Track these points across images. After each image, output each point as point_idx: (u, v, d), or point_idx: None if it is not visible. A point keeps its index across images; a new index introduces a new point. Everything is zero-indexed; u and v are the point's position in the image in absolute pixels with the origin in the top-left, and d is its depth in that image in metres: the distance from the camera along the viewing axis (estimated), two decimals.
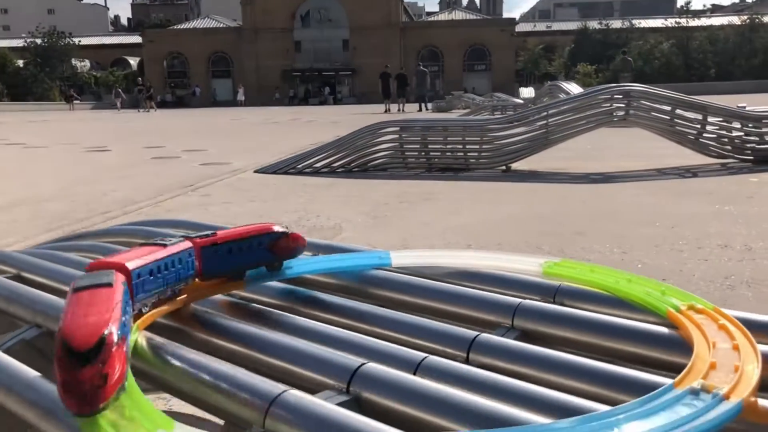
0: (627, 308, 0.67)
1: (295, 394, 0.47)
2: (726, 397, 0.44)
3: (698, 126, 6.14)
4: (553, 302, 0.71)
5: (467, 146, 6.23)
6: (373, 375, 0.52)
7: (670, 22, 50.07)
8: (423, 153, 6.34)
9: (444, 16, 60.08)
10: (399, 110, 22.44)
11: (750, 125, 6.19)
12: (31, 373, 0.59)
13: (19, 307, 0.75)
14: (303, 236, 0.77)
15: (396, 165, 6.29)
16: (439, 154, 6.34)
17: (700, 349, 0.53)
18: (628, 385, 0.52)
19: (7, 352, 0.65)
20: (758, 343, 0.54)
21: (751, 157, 6.17)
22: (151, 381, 0.56)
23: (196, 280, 0.69)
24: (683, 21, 49.07)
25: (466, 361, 0.60)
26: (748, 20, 47.42)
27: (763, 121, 6.18)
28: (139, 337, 0.59)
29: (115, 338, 0.47)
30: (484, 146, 6.14)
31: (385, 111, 21.87)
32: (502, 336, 0.64)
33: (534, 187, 5.10)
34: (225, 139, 12.21)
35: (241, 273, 0.74)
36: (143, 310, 0.62)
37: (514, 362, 0.59)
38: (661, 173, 5.71)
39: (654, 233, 3.27)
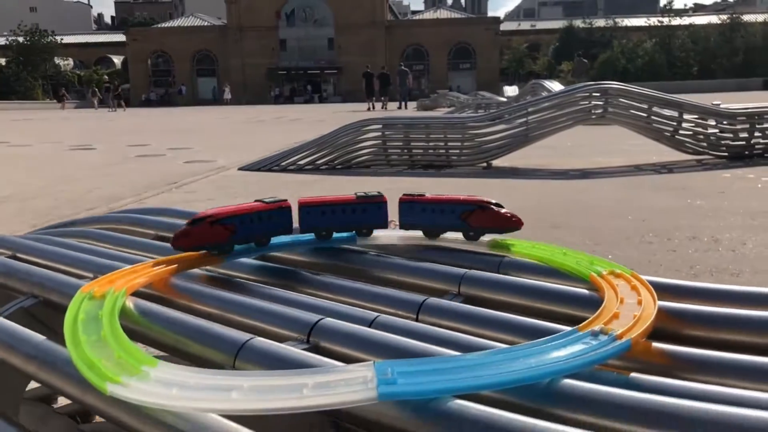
0: (560, 277, 0.76)
1: (261, 341, 0.56)
2: (619, 337, 0.53)
3: (674, 123, 6.28)
4: (497, 273, 0.80)
5: (449, 143, 6.33)
6: (330, 327, 0.61)
7: (653, 20, 50.57)
8: (406, 150, 6.43)
9: (429, 15, 60.22)
10: (382, 108, 22.72)
11: (724, 122, 6.34)
12: (31, 333, 0.67)
13: (17, 281, 0.82)
14: (512, 216, 0.86)
15: (379, 162, 6.38)
16: (421, 151, 6.44)
17: (609, 302, 0.62)
18: (549, 334, 0.61)
19: (7, 318, 0.73)
20: (661, 300, 0.63)
21: (726, 154, 6.32)
22: (138, 337, 0.64)
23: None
24: (666, 20, 49.57)
25: (416, 321, 0.68)
26: (729, 19, 47.97)
27: (738, 118, 6.33)
28: (126, 300, 0.67)
29: None
30: (465, 143, 6.24)
31: (368, 109, 22.14)
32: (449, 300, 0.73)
33: (514, 184, 5.21)
34: (209, 137, 12.25)
35: (436, 232, 0.89)
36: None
37: (457, 321, 0.67)
38: (638, 169, 5.83)
39: (626, 226, 3.38)
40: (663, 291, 0.67)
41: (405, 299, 0.72)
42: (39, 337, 0.65)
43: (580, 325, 0.56)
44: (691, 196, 4.24)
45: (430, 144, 6.44)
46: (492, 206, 0.85)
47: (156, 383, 0.49)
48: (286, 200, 0.85)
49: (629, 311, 0.59)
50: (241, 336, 0.57)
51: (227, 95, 42.68)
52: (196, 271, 0.82)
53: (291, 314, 0.64)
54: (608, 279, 0.69)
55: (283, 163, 6.38)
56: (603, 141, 8.51)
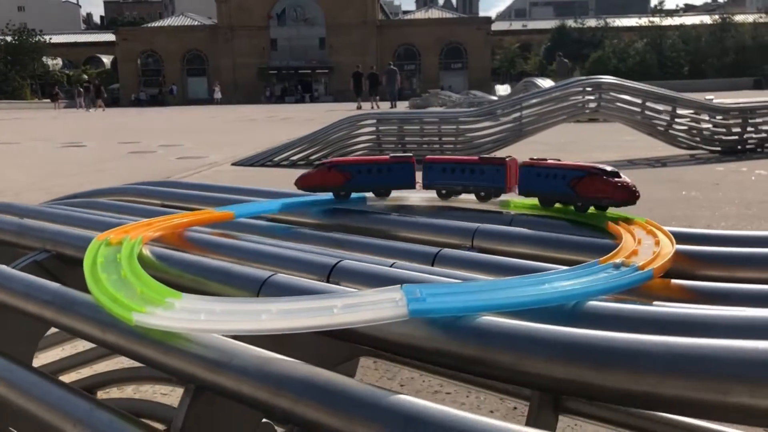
0: (574, 229, 0.77)
1: (284, 276, 0.56)
2: (640, 268, 0.53)
3: (668, 118, 6.31)
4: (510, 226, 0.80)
5: (443, 138, 6.33)
6: (350, 268, 0.61)
7: (644, 20, 50.76)
8: (400, 145, 6.43)
9: (420, 15, 60.24)
10: (372, 107, 22.87)
11: (718, 117, 6.37)
12: (46, 281, 0.67)
13: (29, 238, 0.82)
14: (629, 186, 0.78)
15: None
16: (415, 146, 6.44)
17: (627, 242, 0.62)
18: None
19: (21, 270, 0.73)
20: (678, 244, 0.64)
21: (719, 148, 6.35)
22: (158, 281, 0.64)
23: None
24: (657, 20, 49.76)
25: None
26: (719, 20, 48.20)
27: (731, 113, 6.37)
28: (142, 248, 0.67)
29: None
30: (459, 138, 6.25)
31: (357, 108, 22.24)
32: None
33: None
34: (201, 134, 12.22)
35: (551, 201, 0.84)
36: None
37: (473, 269, 0.68)
38: (632, 163, 5.86)
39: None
40: (677, 238, 0.67)
41: (419, 251, 0.72)
42: (54, 285, 0.65)
43: (601, 258, 0.56)
44: (686, 188, 4.26)
45: (425, 139, 6.44)
46: (604, 174, 0.77)
47: (182, 311, 0.49)
48: (410, 156, 0.90)
49: (648, 249, 0.60)
50: (263, 272, 0.57)
51: (217, 95, 42.51)
52: (208, 228, 0.82)
53: (309, 258, 0.64)
54: (624, 225, 0.69)
55: (276, 159, 6.37)
56: (596, 137, 8.54)
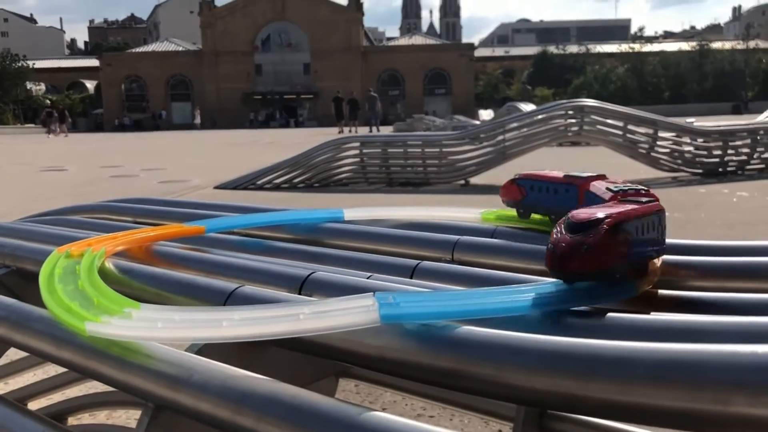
0: None
1: (252, 288, 0.53)
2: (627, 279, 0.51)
3: (650, 140, 6.35)
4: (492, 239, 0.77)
5: (427, 161, 6.33)
6: (324, 280, 0.58)
7: (625, 47, 51.53)
8: (384, 168, 6.42)
9: (404, 41, 60.80)
10: (350, 131, 23.35)
11: (699, 140, 6.43)
12: (2, 297, 0.63)
13: None
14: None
15: (357, 180, 6.36)
16: (399, 169, 6.44)
17: None
18: None
19: None
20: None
21: (700, 171, 6.40)
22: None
23: None
24: (637, 46, 50.54)
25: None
26: (698, 46, 49.03)
27: (712, 136, 6.43)
28: (105, 260, 0.64)
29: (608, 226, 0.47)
30: (443, 161, 6.25)
31: (339, 132, 22.53)
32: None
33: (492, 199, 5.15)
34: (185, 159, 12.17)
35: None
36: None
37: (453, 282, 0.65)
38: None
39: None
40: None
41: (398, 264, 0.69)
42: (10, 300, 0.62)
43: None
44: (669, 209, 4.19)
45: (408, 161, 6.44)
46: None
47: (139, 320, 0.45)
48: (590, 177, 0.72)
49: None
50: (230, 284, 0.54)
51: (196, 120, 42.21)
52: (176, 242, 0.79)
53: (280, 270, 0.61)
54: None
55: (259, 182, 6.33)
56: (579, 161, 8.59)
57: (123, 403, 1.25)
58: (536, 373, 0.36)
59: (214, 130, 39.80)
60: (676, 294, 0.53)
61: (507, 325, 0.44)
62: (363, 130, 24.33)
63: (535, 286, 0.48)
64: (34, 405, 1.34)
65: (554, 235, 0.48)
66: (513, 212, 0.83)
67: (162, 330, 0.43)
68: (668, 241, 0.68)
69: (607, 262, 0.46)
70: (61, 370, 1.27)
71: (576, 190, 0.73)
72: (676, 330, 0.41)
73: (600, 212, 0.49)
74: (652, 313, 0.49)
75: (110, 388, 0.97)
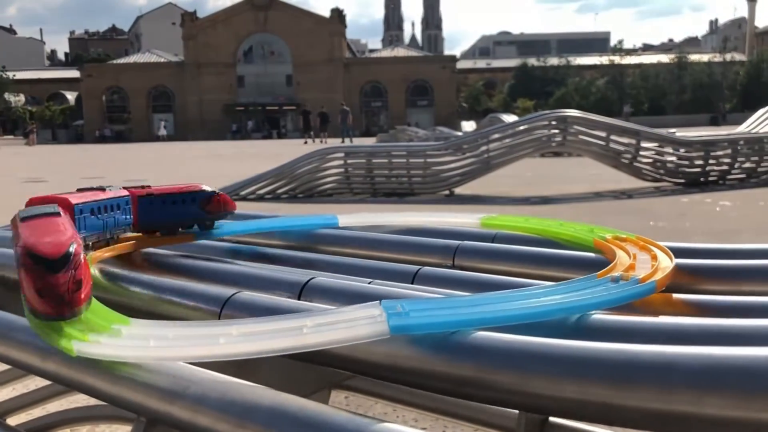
0: (560, 247, 0.72)
1: (250, 294, 0.50)
2: (642, 281, 0.49)
3: (632, 151, 6.39)
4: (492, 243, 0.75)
5: (411, 171, 6.32)
6: (324, 285, 0.55)
7: (604, 59, 52.06)
8: (368, 179, 6.40)
9: (387, 53, 60.96)
10: (320, 142, 24.34)
11: (681, 150, 6.48)
12: None
13: None
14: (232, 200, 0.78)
15: (342, 191, 6.34)
16: (384, 179, 6.42)
17: (621, 257, 0.58)
18: None
19: None
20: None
21: (683, 180, 6.44)
22: (106, 304, 0.58)
23: (130, 231, 0.71)
24: (617, 58, 51.07)
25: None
26: (676, 59, 49.65)
27: (694, 146, 6.48)
28: (92, 268, 0.61)
29: (81, 250, 0.48)
30: (427, 171, 6.25)
31: (304, 143, 23.22)
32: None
33: (475, 209, 5.21)
34: (167, 169, 12.08)
35: (173, 229, 0.75)
36: (88, 245, 0.63)
37: (455, 287, 0.62)
38: (598, 196, 5.90)
39: None
40: (675, 253, 0.63)
41: (398, 270, 0.67)
42: None
43: (598, 273, 0.51)
44: (653, 219, 4.28)
45: (393, 172, 6.43)
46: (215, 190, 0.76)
47: (129, 338, 0.42)
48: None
49: (645, 263, 0.55)
50: (226, 291, 0.51)
51: (161, 131, 41.15)
52: (165, 249, 0.76)
53: (278, 276, 0.58)
54: (614, 242, 0.65)
55: (242, 193, 6.28)
56: (563, 171, 8.63)
57: (110, 418, 1.21)
58: (564, 381, 0.34)
59: (198, 140, 39.55)
60: (692, 299, 0.51)
61: (519, 330, 0.42)
62: (334, 142, 24.69)
63: (545, 290, 0.46)
64: (13, 420, 1.30)
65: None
66: (513, 217, 0.81)
67: (154, 349, 0.40)
68: (677, 244, 0.66)
69: None
70: (42, 383, 1.23)
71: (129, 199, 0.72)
72: (692, 333, 0.38)
73: None
74: (661, 317, 0.47)
75: (95, 402, 0.93)
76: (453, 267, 0.71)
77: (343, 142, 24.99)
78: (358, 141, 24.41)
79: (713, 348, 0.31)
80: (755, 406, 0.28)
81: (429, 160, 6.23)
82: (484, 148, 6.25)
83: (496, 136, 6.35)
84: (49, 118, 49.74)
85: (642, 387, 0.31)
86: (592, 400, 0.32)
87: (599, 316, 0.42)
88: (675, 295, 0.52)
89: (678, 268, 0.57)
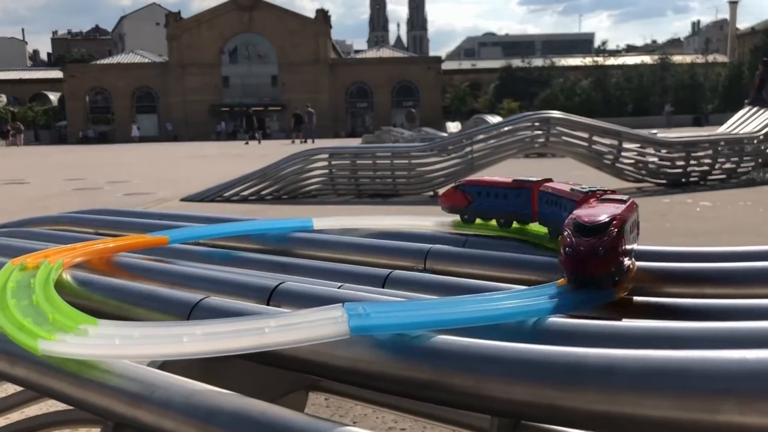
0: (531, 251, 0.73)
1: (217, 299, 0.51)
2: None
3: (614, 152, 6.44)
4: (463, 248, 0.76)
5: (396, 172, 6.34)
6: (293, 290, 0.56)
7: (588, 60, 52.39)
8: (353, 180, 6.41)
9: (372, 54, 60.98)
10: (299, 142, 24.99)
11: (662, 151, 6.54)
12: None
13: None
14: None
15: (326, 192, 6.34)
16: (368, 180, 6.43)
17: None
18: None
19: None
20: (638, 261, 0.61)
21: (664, 181, 6.50)
22: (76, 308, 0.58)
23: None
24: (600, 59, 51.40)
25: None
26: (659, 60, 50.05)
27: (675, 147, 6.54)
28: (63, 273, 0.61)
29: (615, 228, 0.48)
30: (412, 172, 6.26)
31: (291, 142, 23.97)
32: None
33: None
34: (150, 171, 12.01)
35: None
36: None
37: (426, 291, 0.63)
38: None
39: None
40: (637, 256, 0.64)
41: (369, 273, 0.68)
42: None
43: (559, 280, 0.52)
44: None
45: (377, 173, 6.44)
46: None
47: (96, 337, 0.43)
48: (535, 181, 0.75)
49: None
50: (194, 296, 0.52)
51: (135, 132, 40.96)
52: (138, 253, 0.76)
53: (248, 280, 0.59)
54: None
55: (226, 194, 6.27)
56: (546, 171, 8.62)
57: (83, 422, 1.21)
58: (516, 383, 0.35)
59: (181, 142, 39.35)
60: (652, 301, 0.52)
61: (480, 333, 0.42)
62: (323, 142, 25.05)
63: (509, 294, 0.47)
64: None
65: (567, 239, 0.48)
66: (483, 222, 0.82)
67: (120, 347, 0.41)
68: (639, 247, 0.67)
69: (617, 263, 0.47)
70: (19, 387, 1.23)
71: (528, 192, 0.75)
72: (657, 336, 0.39)
73: (603, 214, 0.49)
74: (624, 320, 0.48)
75: (64, 407, 0.93)
76: (424, 270, 0.72)
77: (305, 142, 25.51)
78: (345, 142, 24.48)
79: (653, 351, 0.32)
80: (690, 405, 0.29)
81: (414, 161, 6.25)
82: (468, 149, 6.28)
83: (481, 137, 6.38)
84: (32, 119, 49.28)
85: (586, 389, 0.32)
86: (541, 402, 0.33)
87: (555, 319, 0.43)
88: (636, 298, 0.53)
89: (640, 271, 0.58)
